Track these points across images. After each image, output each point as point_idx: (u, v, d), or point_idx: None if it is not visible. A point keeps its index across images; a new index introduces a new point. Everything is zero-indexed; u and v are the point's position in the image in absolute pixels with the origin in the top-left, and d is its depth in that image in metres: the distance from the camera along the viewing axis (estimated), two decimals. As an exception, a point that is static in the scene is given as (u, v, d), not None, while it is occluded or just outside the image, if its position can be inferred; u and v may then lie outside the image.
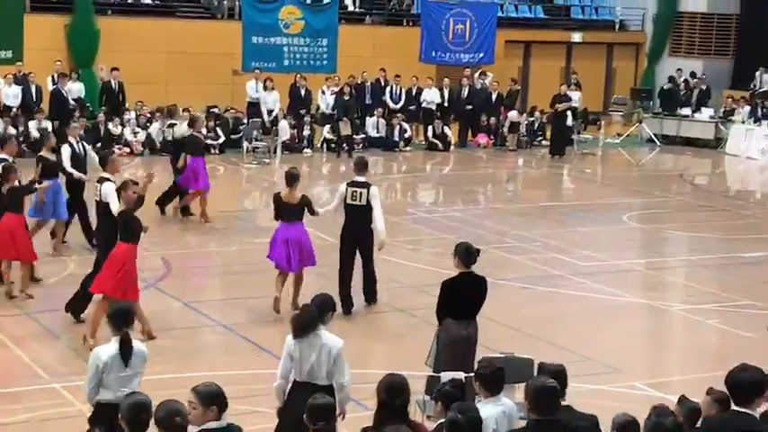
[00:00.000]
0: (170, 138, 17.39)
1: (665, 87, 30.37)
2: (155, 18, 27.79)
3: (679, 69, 31.14)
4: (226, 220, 17.11)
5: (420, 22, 29.31)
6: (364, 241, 12.38)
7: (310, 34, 26.72)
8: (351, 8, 30.94)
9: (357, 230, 12.30)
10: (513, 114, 27.40)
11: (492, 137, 27.70)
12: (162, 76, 27.20)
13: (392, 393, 6.20)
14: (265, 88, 25.70)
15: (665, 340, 12.63)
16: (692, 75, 30.39)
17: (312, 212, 12.27)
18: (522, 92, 32.11)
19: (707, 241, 16.78)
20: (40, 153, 14.42)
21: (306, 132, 25.74)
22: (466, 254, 8.71)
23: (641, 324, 13.09)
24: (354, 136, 25.47)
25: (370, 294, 12.77)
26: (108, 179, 11.85)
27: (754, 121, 27.46)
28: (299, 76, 26.51)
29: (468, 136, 27.65)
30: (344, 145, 25.18)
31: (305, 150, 25.47)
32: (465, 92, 27.66)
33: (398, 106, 27.31)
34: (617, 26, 34.41)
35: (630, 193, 22.10)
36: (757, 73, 30.39)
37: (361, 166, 12.44)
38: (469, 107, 27.59)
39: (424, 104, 27.12)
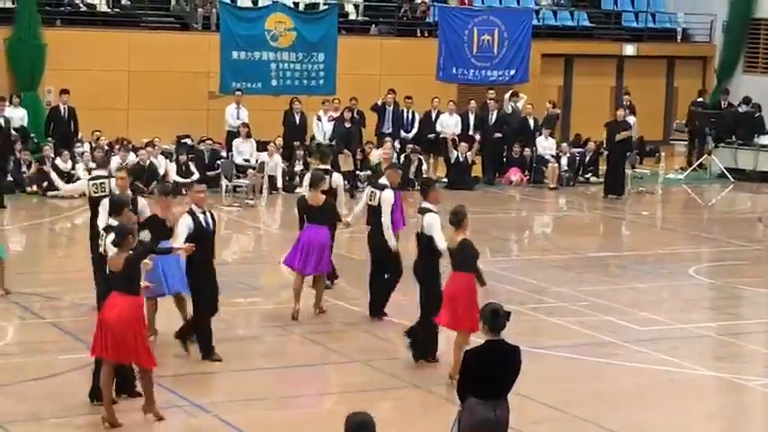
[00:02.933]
0: (324, 187, 16.24)
1: (740, 110, 30.44)
2: (114, 29, 28.06)
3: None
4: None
5: (437, 32, 29.51)
6: (380, 246, 14.86)
7: (303, 48, 26.92)
8: (353, 16, 31.19)
9: (376, 233, 14.92)
10: (540, 141, 27.62)
11: (527, 172, 27.80)
12: (122, 100, 27.40)
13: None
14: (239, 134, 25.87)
15: (745, 424, 12.55)
16: (746, 100, 30.38)
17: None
18: (564, 116, 32.27)
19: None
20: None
21: (298, 167, 25.84)
22: (492, 318, 8.70)
23: (714, 403, 13.01)
24: (358, 172, 25.55)
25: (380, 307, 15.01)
26: (430, 210, 13.18)
27: None
28: (294, 99, 26.69)
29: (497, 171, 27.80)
30: (345, 182, 25.23)
31: (297, 189, 25.53)
32: (493, 117, 27.79)
33: (411, 135, 27.43)
34: (679, 36, 34.60)
35: (698, 240, 22.09)
36: None
37: (394, 166, 15.92)
38: (499, 136, 27.72)
39: (441, 134, 27.25)
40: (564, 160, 27.92)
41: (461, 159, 26.78)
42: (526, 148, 27.95)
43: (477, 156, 27.36)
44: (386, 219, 14.72)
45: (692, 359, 13.93)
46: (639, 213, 25.14)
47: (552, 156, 28.00)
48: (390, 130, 27.21)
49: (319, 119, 26.96)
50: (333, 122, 26.68)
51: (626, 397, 12.71)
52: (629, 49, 33.42)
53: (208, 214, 12.96)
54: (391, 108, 27.45)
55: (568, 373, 13.54)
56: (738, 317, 16.64)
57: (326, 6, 28.97)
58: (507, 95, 28.57)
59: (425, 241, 13.13)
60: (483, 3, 32.28)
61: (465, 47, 28.99)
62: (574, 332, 15.07)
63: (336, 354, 13.78)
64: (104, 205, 13.46)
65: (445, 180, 27.05)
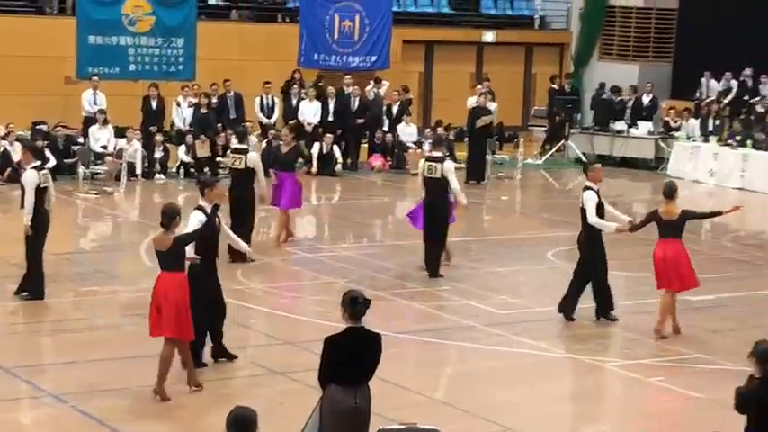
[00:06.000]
0: (241, 167, 17.30)
1: (603, 97, 31.04)
2: (-35, 12, 27.33)
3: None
4: (57, 264, 16.85)
5: (298, 17, 29.44)
6: (438, 212, 16.78)
7: (162, 33, 26.61)
8: (212, 1, 30.94)
9: (433, 202, 16.77)
10: (402, 127, 27.87)
11: (389, 158, 27.94)
12: (-25, 85, 26.73)
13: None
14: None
15: (600, 404, 12.82)
16: (614, 89, 30.96)
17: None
18: (425, 102, 32.51)
19: (647, 282, 17.10)
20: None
21: (158, 155, 25.55)
22: (352, 305, 8.73)
23: (571, 384, 13.27)
24: (219, 158, 25.35)
25: (433, 270, 16.85)
26: (589, 187, 14.74)
27: (704, 139, 28.21)
28: (152, 85, 26.38)
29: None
30: (205, 169, 25.07)
31: (157, 176, 25.29)
32: (355, 104, 27.85)
33: (272, 121, 27.33)
34: (537, 23, 35.10)
35: (556, 224, 22.44)
36: (702, 79, 31.29)
37: (437, 142, 17.98)
38: (361, 121, 27.80)
39: (303, 121, 27.25)
40: (426, 146, 28.10)
41: (325, 151, 26.72)
42: (388, 135, 28.09)
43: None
44: (455, 185, 16.86)
45: (550, 341, 14.18)
46: (499, 198, 25.44)
47: (414, 142, 28.21)
48: (234, 116, 26.97)
49: (178, 105, 26.69)
50: (192, 108, 26.45)
51: (486, 380, 12.88)
52: (489, 36, 33.79)
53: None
54: (232, 94, 27.21)
55: (430, 357, 13.67)
56: (595, 299, 16.97)
57: (185, -9, 28.69)
58: (372, 82, 28.66)
59: (584, 214, 14.78)
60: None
61: (326, 33, 28.99)
62: (435, 317, 15.22)
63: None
64: None
65: (308, 165, 27.00)
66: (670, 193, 14.47)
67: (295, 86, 27.96)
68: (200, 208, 12.42)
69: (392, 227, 22.72)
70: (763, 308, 16.21)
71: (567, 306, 15.13)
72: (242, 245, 13.31)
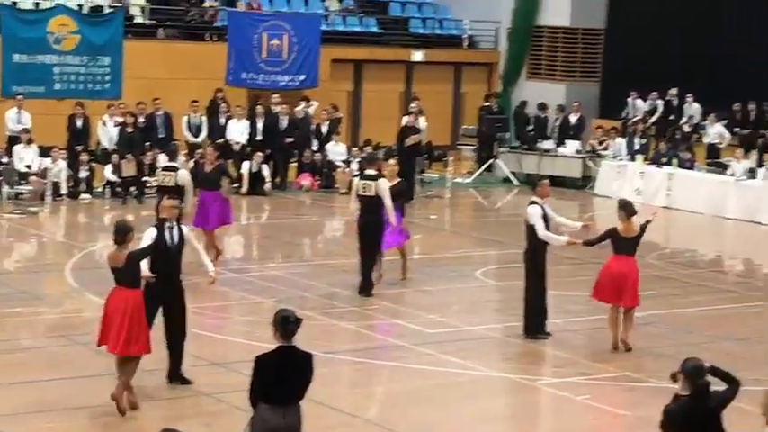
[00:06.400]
0: (171, 184, 17.47)
1: (532, 115, 31.32)
2: None
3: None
4: (-20, 285, 16.67)
5: (226, 36, 29.38)
6: (372, 231, 16.94)
7: (88, 51, 26.43)
8: (139, 19, 30.77)
9: (367, 220, 16.89)
10: (331, 146, 27.88)
11: (318, 177, 27.94)
12: None
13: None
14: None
15: (530, 423, 12.90)
16: (541, 106, 31.38)
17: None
18: (354, 121, 32.58)
19: (574, 300, 17.28)
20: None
21: (83, 174, 25.34)
22: (283, 324, 8.74)
23: (501, 403, 13.33)
24: (147, 177, 25.16)
25: (365, 288, 17.01)
26: (534, 202, 14.82)
27: (630, 157, 28.54)
28: (77, 104, 26.17)
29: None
30: (132, 189, 24.92)
31: (82, 196, 25.06)
32: (284, 122, 27.82)
33: (200, 139, 27.21)
34: (465, 43, 35.33)
35: (485, 243, 22.59)
36: (629, 99, 31.68)
37: (370, 161, 18.21)
38: (290, 140, 27.77)
39: (230, 141, 27.19)
40: (354, 165, 28.14)
41: (254, 170, 26.69)
42: (317, 154, 28.08)
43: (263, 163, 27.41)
44: (388, 202, 16.84)
45: (479, 360, 14.24)
46: (428, 218, 25.52)
47: (343, 161, 28.24)
48: (163, 135, 26.78)
49: (104, 123, 26.49)
50: (119, 127, 26.26)
51: (415, 399, 12.90)
52: (418, 56, 33.94)
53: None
54: (161, 113, 27.06)
55: (360, 376, 13.68)
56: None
57: (111, 9, 28.49)
58: (303, 102, 28.63)
59: (529, 230, 14.85)
60: (271, 7, 32.28)
61: (254, 51, 28.96)
62: (364, 336, 15.24)
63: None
64: None
65: (237, 185, 26.94)
66: (630, 211, 14.70)
67: (223, 105, 27.87)
68: (156, 225, 12.57)
69: (321, 246, 22.73)
70: (689, 325, 16.41)
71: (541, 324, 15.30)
72: (209, 266, 13.24)
